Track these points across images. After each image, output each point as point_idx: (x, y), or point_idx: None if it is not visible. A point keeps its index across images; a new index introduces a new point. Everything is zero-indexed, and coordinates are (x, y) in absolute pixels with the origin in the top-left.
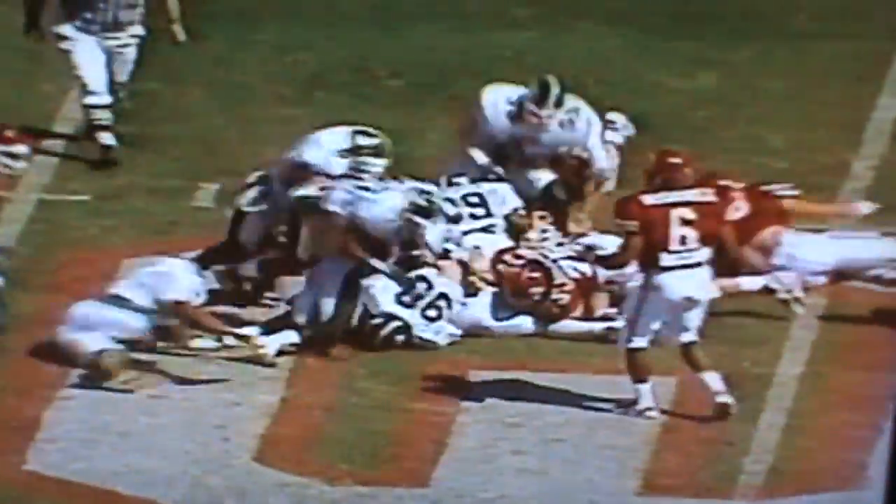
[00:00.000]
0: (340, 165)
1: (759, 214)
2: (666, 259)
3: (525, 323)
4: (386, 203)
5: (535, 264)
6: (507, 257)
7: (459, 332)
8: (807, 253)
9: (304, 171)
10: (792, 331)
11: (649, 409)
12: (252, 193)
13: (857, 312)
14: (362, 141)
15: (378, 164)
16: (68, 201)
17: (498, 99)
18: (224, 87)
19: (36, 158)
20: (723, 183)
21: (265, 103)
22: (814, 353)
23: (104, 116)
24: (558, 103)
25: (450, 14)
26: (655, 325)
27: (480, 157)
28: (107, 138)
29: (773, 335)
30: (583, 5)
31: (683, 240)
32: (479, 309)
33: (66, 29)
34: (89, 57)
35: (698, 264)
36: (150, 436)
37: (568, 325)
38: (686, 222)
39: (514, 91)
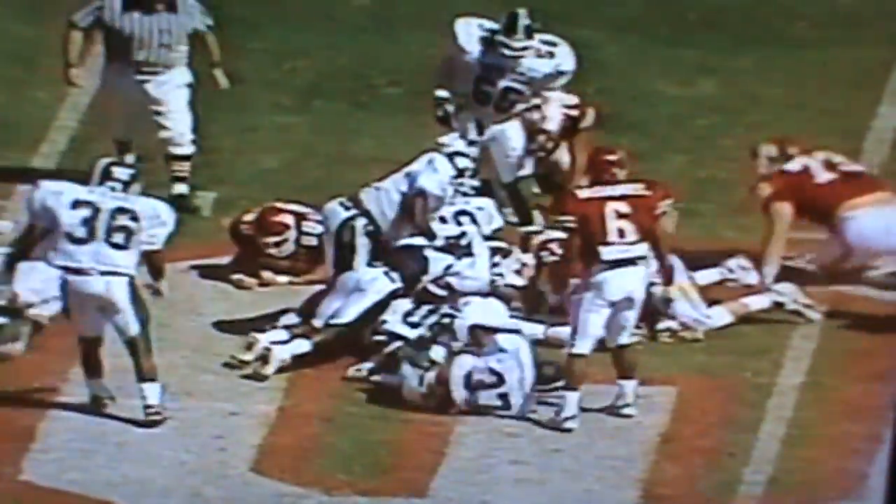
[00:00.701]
0: (451, 191)
1: (859, 183)
2: (606, 253)
3: (525, 330)
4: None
5: None
6: (553, 246)
7: (461, 343)
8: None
9: (423, 199)
10: (792, 340)
11: (570, 418)
12: (361, 223)
13: (858, 321)
14: (461, 163)
15: (472, 184)
16: None
17: (471, 26)
18: (221, 94)
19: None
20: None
21: (263, 111)
22: (814, 362)
23: (182, 168)
24: (529, 34)
25: (448, 22)
26: (598, 330)
27: (442, 93)
28: (180, 188)
29: (773, 345)
30: (582, 13)
31: (622, 233)
32: (478, 318)
33: (111, 78)
34: (130, 105)
35: (637, 260)
36: (146, 446)
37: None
38: (622, 215)
39: (488, 22)
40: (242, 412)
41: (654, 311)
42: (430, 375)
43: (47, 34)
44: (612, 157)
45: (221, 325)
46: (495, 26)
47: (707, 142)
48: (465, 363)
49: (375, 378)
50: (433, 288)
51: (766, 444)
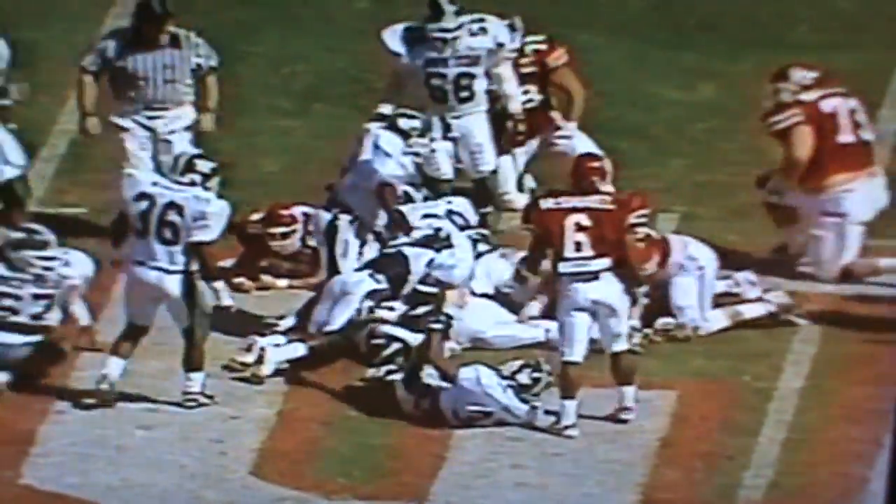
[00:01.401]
0: (409, 162)
1: (863, 154)
2: (562, 266)
3: (525, 334)
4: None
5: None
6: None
7: (459, 347)
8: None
9: (389, 187)
10: (792, 344)
11: (570, 426)
12: (345, 220)
13: (858, 325)
14: (405, 125)
15: (427, 142)
16: (64, 214)
17: (397, 32)
18: (221, 99)
19: (31, 171)
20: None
21: (262, 115)
22: (814, 366)
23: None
24: (456, 15)
25: None
26: (583, 334)
27: (386, 108)
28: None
29: (773, 349)
30: (582, 17)
31: (578, 246)
32: (477, 321)
33: (118, 118)
34: (137, 145)
35: (597, 273)
36: (146, 450)
37: None
38: (582, 228)
39: (410, 23)
40: (242, 416)
41: (658, 306)
42: (425, 402)
43: (47, 38)
44: (594, 164)
45: (221, 329)
46: (419, 24)
47: (706, 146)
48: (447, 400)
49: (393, 378)
50: (423, 288)
51: (767, 448)
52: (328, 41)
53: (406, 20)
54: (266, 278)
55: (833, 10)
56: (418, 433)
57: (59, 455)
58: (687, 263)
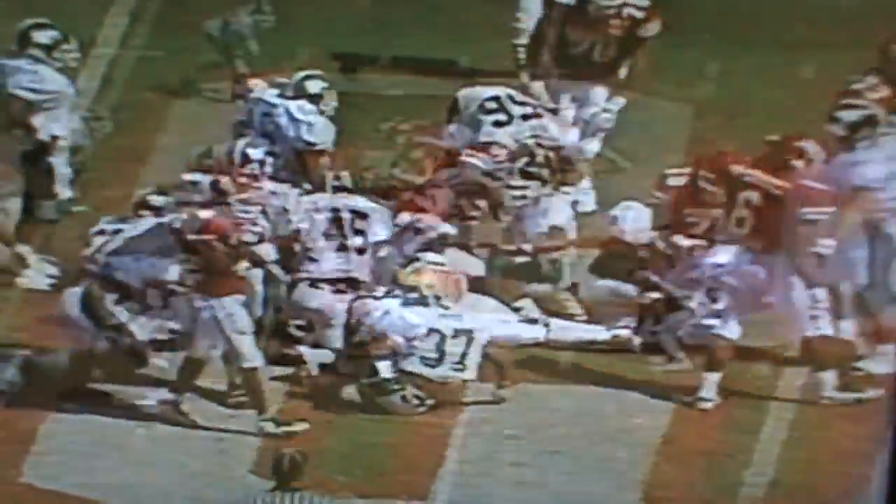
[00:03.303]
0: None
1: None
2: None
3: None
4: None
5: None
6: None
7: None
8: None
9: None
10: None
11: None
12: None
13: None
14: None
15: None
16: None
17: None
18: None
19: None
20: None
21: None
22: None
23: None
24: None
25: (444, 24)
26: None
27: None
28: None
29: (774, 346)
30: None
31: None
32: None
33: None
34: None
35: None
36: (146, 449)
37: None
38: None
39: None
40: (242, 414)
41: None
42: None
43: None
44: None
45: None
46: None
47: (705, 144)
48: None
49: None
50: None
51: (767, 447)
52: (328, 40)
53: (405, 20)
54: None
55: (833, 8)
56: (418, 431)
57: (59, 454)
58: None
